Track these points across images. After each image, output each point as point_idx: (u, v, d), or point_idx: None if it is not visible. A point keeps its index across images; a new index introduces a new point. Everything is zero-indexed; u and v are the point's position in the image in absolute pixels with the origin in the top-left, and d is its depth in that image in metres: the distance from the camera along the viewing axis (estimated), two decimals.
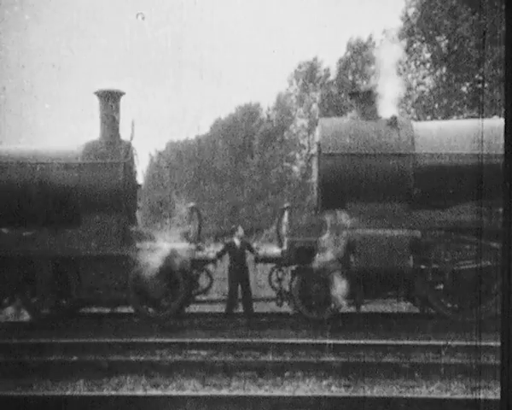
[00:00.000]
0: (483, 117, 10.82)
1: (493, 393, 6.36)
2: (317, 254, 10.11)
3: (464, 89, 24.79)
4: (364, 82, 31.30)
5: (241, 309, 11.08)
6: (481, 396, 6.52)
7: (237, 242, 11.01)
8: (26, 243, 10.57)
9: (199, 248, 10.95)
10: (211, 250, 11.15)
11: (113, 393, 6.92)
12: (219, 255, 10.88)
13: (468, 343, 8.33)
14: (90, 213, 10.57)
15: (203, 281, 11.04)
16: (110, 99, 11.00)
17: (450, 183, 10.17)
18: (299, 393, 6.91)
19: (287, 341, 8.80)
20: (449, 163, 10.22)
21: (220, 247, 11.20)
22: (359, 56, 32.89)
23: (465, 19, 23.52)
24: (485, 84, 20.77)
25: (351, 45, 33.66)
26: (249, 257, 11.13)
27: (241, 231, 11.28)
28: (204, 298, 11.45)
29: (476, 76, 22.73)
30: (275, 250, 10.84)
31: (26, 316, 10.87)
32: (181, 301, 10.64)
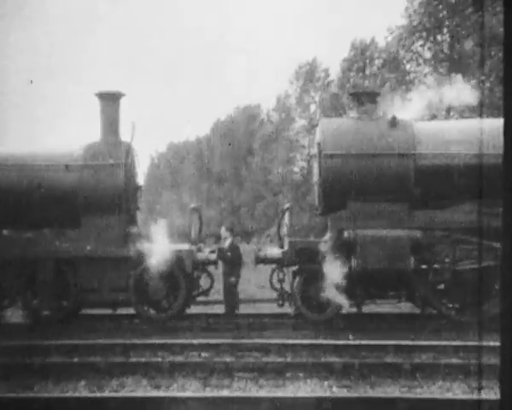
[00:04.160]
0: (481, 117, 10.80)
1: (494, 393, 6.36)
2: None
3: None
4: (366, 82, 31.26)
5: (242, 310, 11.09)
6: (482, 396, 6.51)
7: (226, 244, 11.00)
8: (27, 244, 10.57)
9: (199, 250, 10.95)
10: (212, 251, 11.13)
11: (114, 394, 6.93)
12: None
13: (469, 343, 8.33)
14: (90, 214, 10.56)
15: (204, 282, 11.03)
16: (110, 100, 11.01)
17: (451, 183, 10.14)
18: (301, 394, 6.90)
19: (288, 341, 8.78)
20: (449, 163, 10.20)
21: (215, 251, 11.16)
22: (362, 56, 32.83)
23: (467, 17, 23.51)
24: (487, 84, 20.75)
25: (354, 45, 33.59)
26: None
27: (223, 233, 11.25)
28: (205, 299, 11.43)
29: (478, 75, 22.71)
30: (276, 251, 10.81)
31: (27, 318, 10.86)
32: (182, 302, 10.63)
